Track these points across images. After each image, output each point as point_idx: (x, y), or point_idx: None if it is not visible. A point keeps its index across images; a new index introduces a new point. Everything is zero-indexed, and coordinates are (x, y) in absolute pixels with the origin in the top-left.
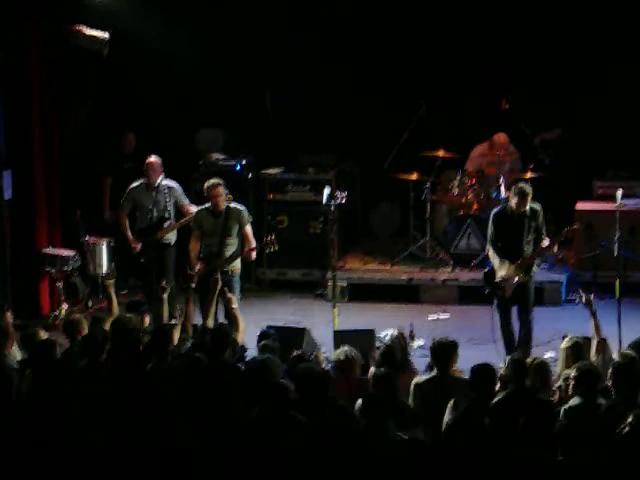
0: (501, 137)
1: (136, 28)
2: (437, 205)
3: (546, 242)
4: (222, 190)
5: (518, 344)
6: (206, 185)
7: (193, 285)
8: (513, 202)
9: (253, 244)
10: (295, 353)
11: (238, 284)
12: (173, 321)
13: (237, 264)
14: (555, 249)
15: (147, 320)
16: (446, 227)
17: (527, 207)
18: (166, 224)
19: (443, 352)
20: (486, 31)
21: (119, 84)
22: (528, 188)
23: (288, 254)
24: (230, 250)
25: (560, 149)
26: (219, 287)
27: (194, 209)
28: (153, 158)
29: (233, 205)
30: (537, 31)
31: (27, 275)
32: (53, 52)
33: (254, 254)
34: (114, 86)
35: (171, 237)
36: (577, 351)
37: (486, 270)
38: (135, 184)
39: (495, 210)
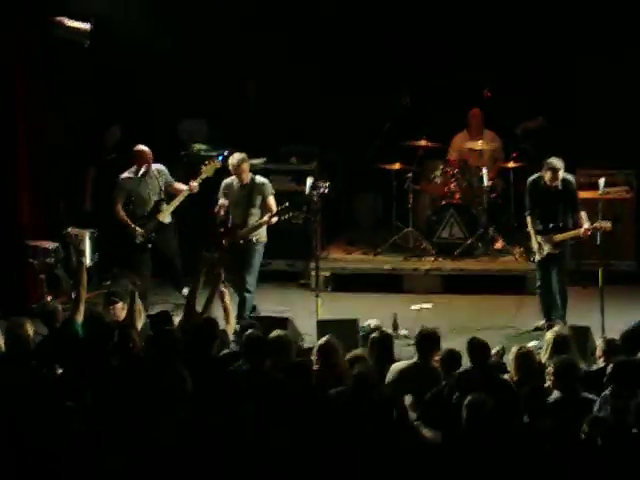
0: (475, 112)
1: (118, 19)
2: (420, 195)
3: (585, 225)
4: (247, 165)
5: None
6: (231, 161)
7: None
8: (546, 177)
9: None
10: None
11: (260, 254)
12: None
13: (262, 233)
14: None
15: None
16: (429, 216)
17: (559, 180)
18: (162, 207)
19: (427, 342)
20: (467, 20)
21: (101, 75)
22: (558, 163)
23: (271, 244)
24: (253, 220)
25: (542, 138)
26: (221, 280)
27: (182, 186)
28: (143, 147)
29: (257, 178)
30: (518, 19)
31: (10, 267)
32: (36, 43)
33: (274, 219)
34: (97, 78)
35: (168, 217)
36: (559, 344)
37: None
38: (126, 175)
39: (531, 178)
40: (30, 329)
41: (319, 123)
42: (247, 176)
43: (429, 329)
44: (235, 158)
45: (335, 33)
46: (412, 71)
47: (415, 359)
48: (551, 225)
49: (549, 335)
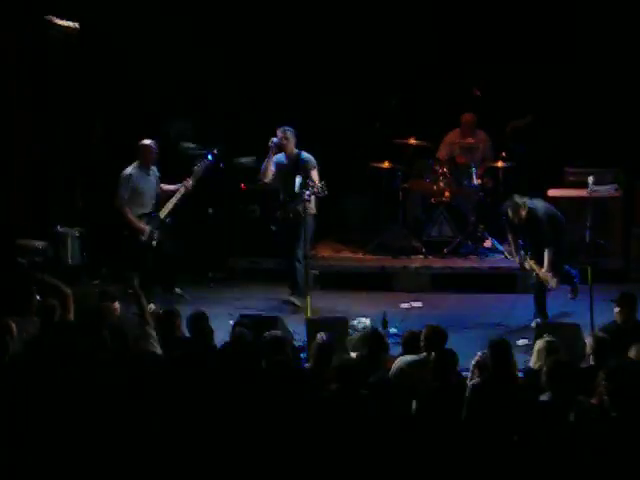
0: (468, 117)
1: (106, 18)
2: (409, 193)
3: (543, 269)
4: (291, 135)
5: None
6: (279, 135)
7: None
8: (509, 213)
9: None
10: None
11: (311, 225)
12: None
13: (311, 205)
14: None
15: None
16: (418, 215)
17: (523, 217)
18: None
19: (436, 338)
20: (457, 19)
21: (89, 74)
22: (517, 200)
23: (260, 243)
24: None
25: (531, 136)
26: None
27: (170, 187)
28: (149, 141)
29: (303, 153)
30: (508, 18)
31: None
32: (27, 42)
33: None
34: (84, 76)
35: (169, 215)
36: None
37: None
38: (130, 171)
39: (502, 207)
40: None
41: (309, 121)
42: (293, 148)
43: (436, 325)
44: (280, 130)
45: (325, 32)
46: (402, 70)
47: (423, 354)
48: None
49: (539, 344)
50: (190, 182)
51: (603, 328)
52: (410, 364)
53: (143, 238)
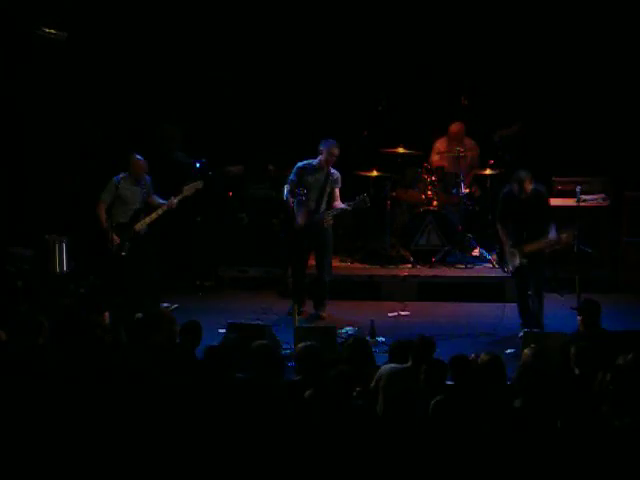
0: (455, 127)
1: (96, 24)
2: (397, 202)
3: (552, 234)
4: (337, 151)
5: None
6: (328, 148)
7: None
8: (514, 189)
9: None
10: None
11: (331, 237)
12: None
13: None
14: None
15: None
16: (406, 223)
17: (529, 192)
18: (140, 217)
19: (424, 348)
20: (445, 27)
21: (79, 81)
22: (523, 174)
23: (248, 251)
24: (323, 207)
25: (519, 145)
26: None
27: (159, 200)
28: (140, 157)
29: (331, 169)
30: (496, 27)
31: None
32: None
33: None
34: (74, 83)
35: (145, 228)
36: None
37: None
38: (119, 178)
39: (504, 189)
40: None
41: (296, 130)
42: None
43: (427, 336)
44: (332, 144)
45: (314, 41)
46: (389, 78)
47: (409, 364)
48: (524, 235)
49: (526, 353)
50: (175, 201)
51: (569, 338)
52: (393, 373)
53: (111, 247)
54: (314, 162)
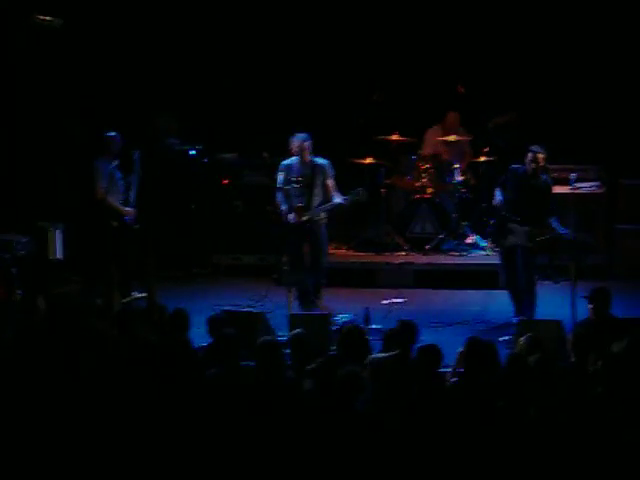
0: (452, 117)
1: (92, 11)
2: (392, 189)
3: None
4: (309, 145)
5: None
6: (295, 142)
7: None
8: (529, 167)
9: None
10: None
11: (326, 233)
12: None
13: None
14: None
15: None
16: (401, 211)
17: (542, 164)
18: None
19: (408, 333)
20: (442, 16)
21: (73, 69)
22: (539, 148)
23: (243, 239)
24: (316, 201)
25: (513, 132)
26: None
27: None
28: (114, 133)
29: (317, 159)
30: (491, 15)
31: None
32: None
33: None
34: (68, 71)
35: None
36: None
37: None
38: (108, 162)
39: (512, 166)
40: None
41: (292, 117)
42: (307, 155)
43: (407, 320)
44: (298, 137)
45: (308, 29)
46: (385, 66)
47: (397, 351)
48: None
49: (521, 341)
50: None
51: (579, 324)
52: (380, 361)
53: (129, 220)
54: (295, 159)
